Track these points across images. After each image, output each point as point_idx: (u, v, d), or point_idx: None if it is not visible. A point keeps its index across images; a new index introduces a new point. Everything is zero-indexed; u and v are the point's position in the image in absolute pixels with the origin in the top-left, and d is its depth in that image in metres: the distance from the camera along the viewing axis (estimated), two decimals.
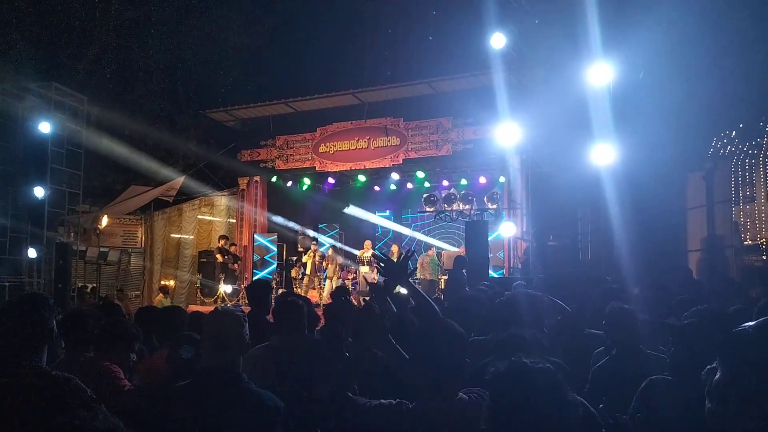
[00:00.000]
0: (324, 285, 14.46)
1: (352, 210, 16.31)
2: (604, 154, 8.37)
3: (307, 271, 14.79)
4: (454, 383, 2.15)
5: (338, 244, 15.81)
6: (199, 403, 2.38)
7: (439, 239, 15.82)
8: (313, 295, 13.76)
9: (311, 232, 16.46)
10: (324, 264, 14.64)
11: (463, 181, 14.57)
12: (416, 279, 13.95)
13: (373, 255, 13.59)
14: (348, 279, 14.64)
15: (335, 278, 14.24)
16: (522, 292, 2.89)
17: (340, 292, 5.83)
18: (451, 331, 2.20)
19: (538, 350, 2.77)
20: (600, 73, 8.28)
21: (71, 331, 3.17)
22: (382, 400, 2.18)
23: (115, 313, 4.20)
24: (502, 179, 13.09)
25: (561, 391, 1.69)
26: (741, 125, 10.43)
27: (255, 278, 14.84)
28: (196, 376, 2.49)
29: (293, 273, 15.21)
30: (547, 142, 9.94)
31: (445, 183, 14.83)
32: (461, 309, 4.02)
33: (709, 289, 9.48)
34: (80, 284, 14.74)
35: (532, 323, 3.28)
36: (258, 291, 4.83)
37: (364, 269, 14.18)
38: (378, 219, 16.91)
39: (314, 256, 14.72)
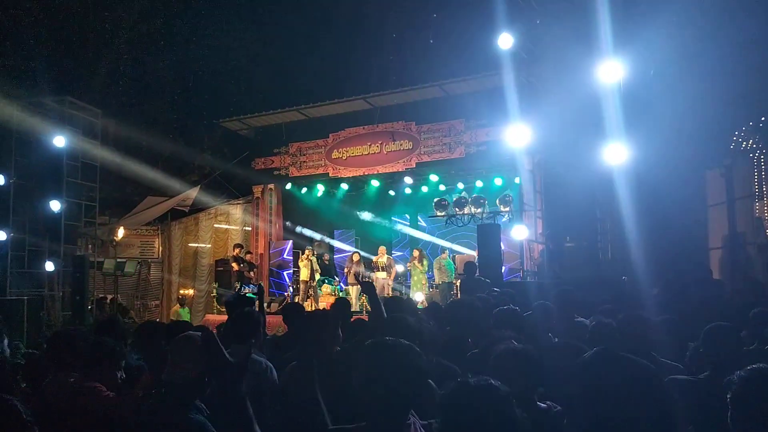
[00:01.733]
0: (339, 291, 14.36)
1: (365, 216, 16.26)
2: (616, 153, 8.19)
3: (303, 277, 14.59)
4: (403, 405, 1.95)
5: (359, 251, 15.74)
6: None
7: (456, 242, 15.68)
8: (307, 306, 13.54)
9: (324, 238, 16.44)
10: (345, 270, 14.53)
11: (479, 183, 14.44)
12: (434, 283, 13.86)
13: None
14: None
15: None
16: (513, 349, 2.67)
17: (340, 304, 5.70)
18: (406, 349, 2.02)
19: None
20: (611, 71, 8.13)
21: (59, 352, 3.11)
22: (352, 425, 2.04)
23: (112, 330, 4.13)
24: (517, 180, 12.92)
25: (507, 409, 1.64)
26: (763, 118, 10.16)
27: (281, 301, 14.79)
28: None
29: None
30: (560, 142, 9.77)
31: (461, 185, 14.72)
32: (454, 317, 3.92)
33: (731, 288, 9.27)
34: (99, 295, 14.87)
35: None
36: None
37: (380, 275, 14.09)
38: (404, 227, 16.75)
39: (311, 262, 14.62)
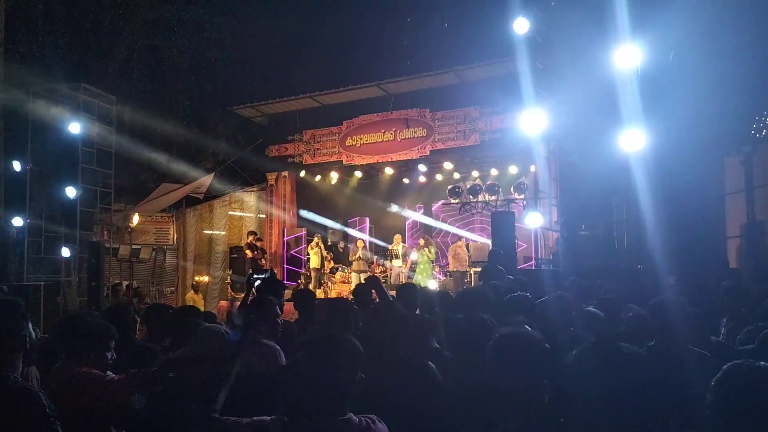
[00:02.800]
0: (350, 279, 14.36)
1: (394, 209, 16.21)
2: (633, 140, 8.04)
3: (314, 265, 14.58)
4: (339, 400, 1.93)
5: (367, 238, 15.70)
6: None
7: (469, 230, 15.56)
8: (319, 294, 13.54)
9: (339, 226, 16.42)
10: (351, 257, 14.53)
11: (494, 171, 14.30)
12: (448, 270, 13.80)
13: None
14: (378, 273, 14.51)
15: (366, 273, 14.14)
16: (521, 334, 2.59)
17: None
18: (345, 342, 2.00)
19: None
20: (628, 56, 7.95)
21: (67, 337, 3.08)
22: (254, 418, 1.97)
23: (120, 316, 4.13)
24: (533, 168, 12.77)
25: None
26: None
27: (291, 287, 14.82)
28: None
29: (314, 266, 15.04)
30: (575, 128, 9.64)
31: (475, 173, 14.61)
32: (465, 304, 3.87)
33: (749, 278, 9.11)
34: (115, 282, 15.00)
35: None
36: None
37: (396, 263, 14.05)
38: (418, 215, 16.66)
39: (320, 249, 14.60)
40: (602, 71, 8.38)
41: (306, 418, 1.90)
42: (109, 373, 2.93)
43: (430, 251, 13.64)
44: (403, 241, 14.97)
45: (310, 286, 14.33)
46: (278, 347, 3.49)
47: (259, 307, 3.64)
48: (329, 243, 15.68)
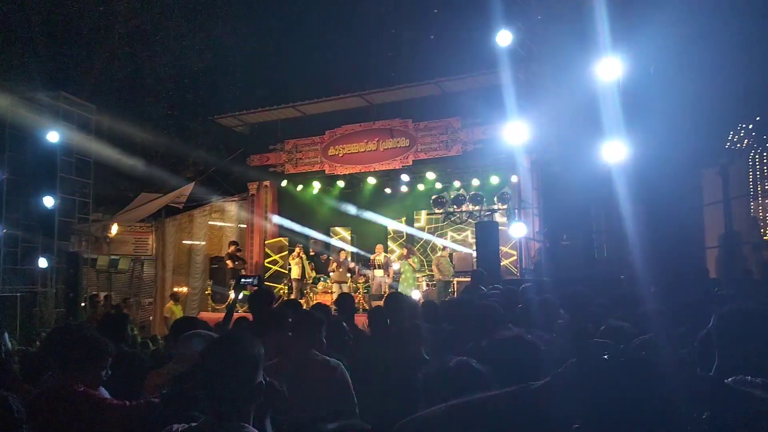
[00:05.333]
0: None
1: (368, 216, 16.18)
2: (615, 152, 8.15)
3: (294, 276, 14.52)
4: (243, 405, 1.90)
5: (348, 247, 15.66)
6: None
7: (451, 240, 15.63)
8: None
9: (320, 236, 16.36)
10: (330, 268, 14.46)
11: (475, 182, 14.39)
12: (434, 281, 13.84)
13: None
14: (359, 283, 14.49)
15: (346, 284, 14.11)
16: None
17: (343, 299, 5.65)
18: (246, 344, 1.97)
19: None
20: (609, 68, 8.07)
21: (65, 351, 2.96)
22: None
23: (117, 328, 4.06)
24: (514, 179, 12.88)
25: None
26: (758, 118, 10.17)
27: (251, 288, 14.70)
28: None
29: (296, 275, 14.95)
30: (557, 139, 9.76)
31: (457, 183, 14.69)
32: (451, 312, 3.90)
33: (728, 287, 9.26)
34: (93, 293, 14.76)
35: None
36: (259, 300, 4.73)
37: (378, 273, 14.04)
38: (400, 225, 16.67)
39: (301, 260, 14.53)
40: (584, 83, 8.49)
41: (210, 421, 1.89)
42: (102, 390, 2.87)
43: (413, 261, 13.67)
44: (385, 251, 14.98)
45: (292, 297, 14.25)
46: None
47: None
48: (311, 253, 15.60)
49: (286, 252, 15.85)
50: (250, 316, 5.02)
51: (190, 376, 2.40)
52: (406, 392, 2.50)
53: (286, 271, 15.46)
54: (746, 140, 10.25)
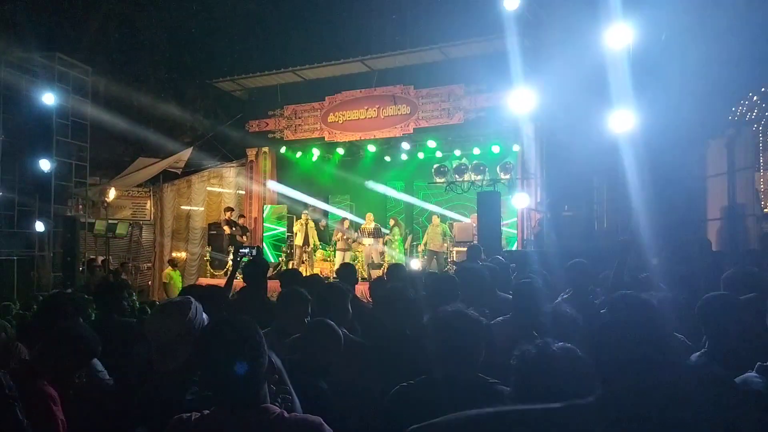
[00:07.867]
0: (334, 257, 14.30)
1: (371, 185, 16.08)
2: (622, 121, 7.99)
3: (297, 242, 14.49)
4: (254, 390, 1.82)
5: (349, 216, 15.57)
6: None
7: (451, 209, 15.53)
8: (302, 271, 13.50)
9: (321, 204, 16.28)
10: (334, 237, 14.45)
11: (476, 151, 14.22)
12: (426, 249, 13.83)
13: None
14: (358, 251, 14.44)
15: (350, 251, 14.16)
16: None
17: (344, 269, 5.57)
18: (246, 325, 1.88)
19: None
20: (619, 36, 7.87)
21: (57, 354, 2.68)
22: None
23: (112, 300, 3.91)
24: (516, 148, 12.73)
25: None
26: (763, 89, 9.98)
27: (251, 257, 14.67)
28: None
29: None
30: (563, 108, 9.57)
31: (458, 152, 14.53)
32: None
33: (730, 259, 9.21)
34: (90, 257, 14.68)
35: None
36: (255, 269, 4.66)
37: (367, 241, 13.97)
38: (399, 194, 16.59)
39: (305, 226, 14.47)
40: (593, 51, 8.29)
41: (223, 410, 1.82)
42: (95, 362, 2.75)
43: (398, 231, 13.77)
44: (376, 220, 14.88)
45: (292, 264, 14.22)
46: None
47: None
48: (322, 226, 15.57)
49: (285, 219, 15.77)
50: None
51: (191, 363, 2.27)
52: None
53: (285, 238, 15.42)
54: (755, 110, 10.08)
